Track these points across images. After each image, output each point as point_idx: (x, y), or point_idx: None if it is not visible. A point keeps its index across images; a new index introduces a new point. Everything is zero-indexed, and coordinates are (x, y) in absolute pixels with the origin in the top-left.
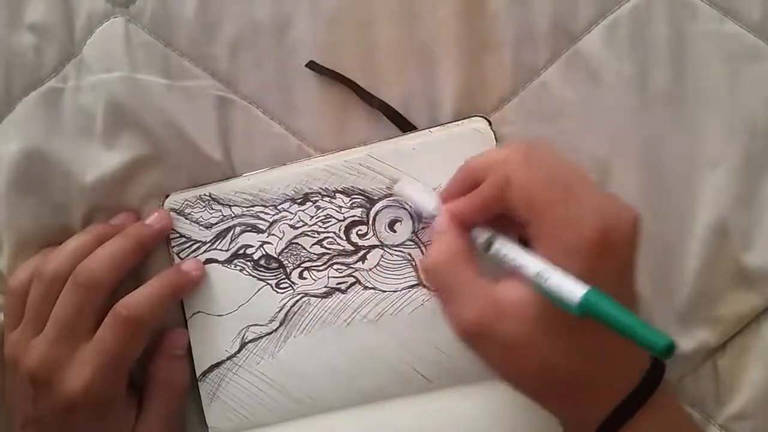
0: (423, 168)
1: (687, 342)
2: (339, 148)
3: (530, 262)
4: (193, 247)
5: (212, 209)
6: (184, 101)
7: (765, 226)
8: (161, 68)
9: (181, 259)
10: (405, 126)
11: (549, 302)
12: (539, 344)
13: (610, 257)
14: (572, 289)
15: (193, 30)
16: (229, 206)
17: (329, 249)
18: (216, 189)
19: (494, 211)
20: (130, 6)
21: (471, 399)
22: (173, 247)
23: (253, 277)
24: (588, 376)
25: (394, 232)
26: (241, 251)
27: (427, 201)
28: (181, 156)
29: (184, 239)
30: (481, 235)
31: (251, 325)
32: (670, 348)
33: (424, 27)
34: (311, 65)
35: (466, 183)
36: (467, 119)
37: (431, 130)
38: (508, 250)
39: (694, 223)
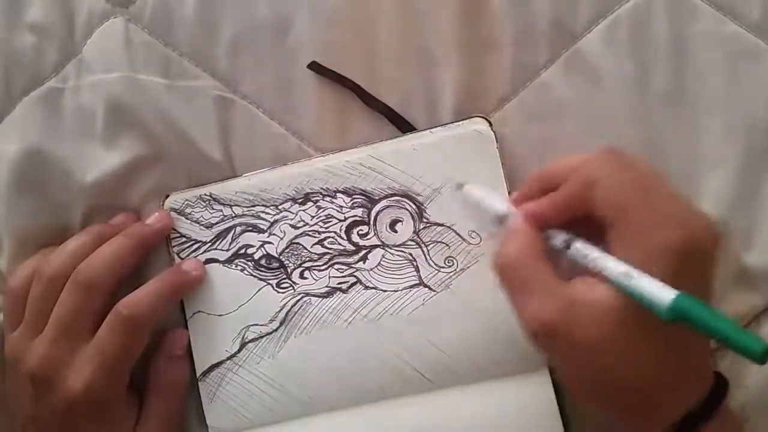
0: (423, 168)
1: None
2: (339, 148)
3: (614, 263)
4: (194, 247)
5: (213, 209)
6: (184, 101)
7: (765, 226)
8: (161, 68)
9: (182, 259)
10: (405, 128)
11: (630, 305)
12: (615, 347)
13: (693, 263)
14: (662, 291)
15: (193, 30)
16: (230, 206)
17: (330, 249)
18: (216, 189)
19: (574, 212)
20: (130, 6)
21: (471, 399)
22: (173, 247)
23: (254, 276)
24: (659, 384)
25: (395, 232)
26: (242, 251)
27: (498, 201)
28: (181, 156)
29: (184, 239)
30: (559, 237)
31: (251, 325)
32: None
33: (424, 27)
34: (313, 66)
35: (540, 186)
36: (467, 119)
37: (432, 130)
38: (589, 250)
39: None
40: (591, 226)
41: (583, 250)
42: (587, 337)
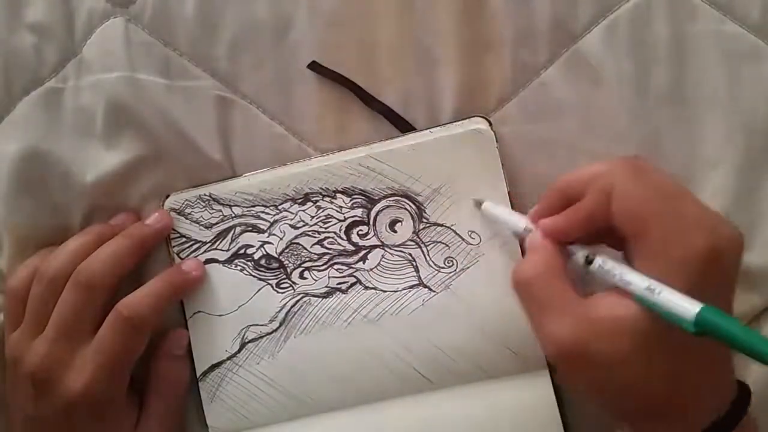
0: (423, 168)
1: None
2: (339, 148)
3: (637, 278)
4: (194, 247)
5: (212, 209)
6: (184, 101)
7: (765, 226)
8: (161, 68)
9: (182, 259)
10: (405, 128)
11: (651, 321)
12: (637, 364)
13: (715, 274)
14: (687, 304)
15: (193, 30)
16: (230, 206)
17: (330, 249)
18: (216, 189)
19: (595, 226)
20: (130, 6)
21: (471, 399)
22: (173, 247)
23: (254, 277)
24: (685, 397)
25: (395, 232)
26: (242, 251)
27: (518, 219)
28: (181, 156)
29: (184, 239)
30: (580, 252)
31: (251, 325)
32: None
33: (424, 27)
34: (313, 66)
35: (559, 200)
36: (467, 119)
37: (431, 130)
38: (611, 265)
39: None
40: (613, 236)
41: (604, 265)
42: (606, 356)
